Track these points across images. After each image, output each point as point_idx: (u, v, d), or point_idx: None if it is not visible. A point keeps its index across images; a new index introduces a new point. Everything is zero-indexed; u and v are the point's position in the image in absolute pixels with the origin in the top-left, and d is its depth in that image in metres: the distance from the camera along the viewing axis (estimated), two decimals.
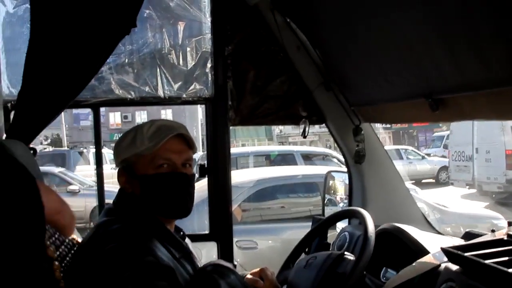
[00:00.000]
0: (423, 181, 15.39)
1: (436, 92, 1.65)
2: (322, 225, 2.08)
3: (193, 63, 2.37)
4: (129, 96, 2.31)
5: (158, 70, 2.33)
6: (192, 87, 2.36)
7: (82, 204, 9.41)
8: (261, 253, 4.37)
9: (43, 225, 0.69)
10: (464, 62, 1.46)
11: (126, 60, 2.33)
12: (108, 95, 2.31)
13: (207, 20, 2.40)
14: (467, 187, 13.00)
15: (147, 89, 2.32)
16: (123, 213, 1.48)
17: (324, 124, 2.47)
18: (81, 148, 16.16)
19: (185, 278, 1.42)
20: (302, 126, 2.40)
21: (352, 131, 2.31)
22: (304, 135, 2.38)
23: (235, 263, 2.38)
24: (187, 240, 1.66)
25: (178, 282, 1.35)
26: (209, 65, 2.39)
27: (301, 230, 2.11)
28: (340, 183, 3.09)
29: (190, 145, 1.53)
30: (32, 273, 0.67)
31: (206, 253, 2.98)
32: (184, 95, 2.37)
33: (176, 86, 2.35)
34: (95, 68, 2.02)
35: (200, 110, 15.39)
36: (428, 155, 17.93)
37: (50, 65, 1.93)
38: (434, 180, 16.15)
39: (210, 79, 2.38)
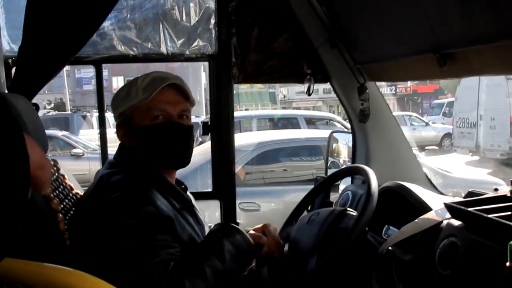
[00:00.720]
0: (427, 147, 15.38)
1: (444, 47, 1.61)
2: (325, 182, 2.08)
3: (197, 19, 2.33)
4: (132, 53, 2.28)
5: (160, 26, 2.29)
6: (195, 43, 2.32)
7: (86, 168, 9.46)
8: (264, 215, 4.40)
9: (28, 177, 0.68)
10: (473, 14, 1.42)
11: (128, 16, 2.28)
12: (110, 51, 2.28)
13: None
14: (470, 154, 12.99)
15: (149, 45, 2.29)
16: (124, 165, 1.48)
17: (328, 84, 2.44)
18: (85, 112, 16.16)
19: (185, 228, 1.42)
20: (306, 85, 2.37)
21: (356, 89, 2.28)
22: (308, 93, 2.35)
23: (238, 222, 2.40)
24: (190, 196, 1.66)
25: (177, 233, 1.35)
26: (212, 21, 2.34)
27: (304, 193, 2.11)
28: (343, 146, 3.08)
29: (186, 96, 1.52)
30: (14, 225, 0.66)
31: (209, 214, 3.00)
32: (187, 52, 2.33)
33: (179, 43, 2.31)
34: (96, 22, 1.98)
35: (203, 74, 15.28)
36: None
37: (51, 20, 1.90)
38: (437, 147, 16.14)
39: (213, 35, 2.34)
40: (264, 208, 4.51)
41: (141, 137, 1.47)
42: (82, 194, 1.70)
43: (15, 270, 0.91)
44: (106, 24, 2.23)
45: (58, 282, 0.92)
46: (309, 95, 2.37)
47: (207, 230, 1.58)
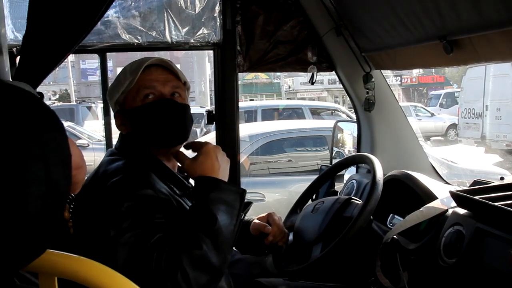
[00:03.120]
0: (432, 138, 15.31)
1: (451, 33, 1.59)
2: (330, 170, 2.08)
3: (201, 7, 2.30)
4: (136, 41, 2.26)
5: (165, 14, 2.27)
6: (200, 32, 2.30)
7: (91, 159, 9.47)
8: (268, 205, 4.40)
9: (70, 176, 0.68)
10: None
11: (133, 4, 2.27)
12: (114, 40, 2.26)
13: None
14: (476, 144, 12.92)
15: (154, 33, 2.27)
16: (124, 152, 1.49)
17: (333, 75, 2.42)
18: (89, 103, 16.18)
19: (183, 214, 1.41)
20: (310, 74, 2.35)
21: (362, 78, 2.27)
22: (311, 82, 2.34)
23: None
24: (193, 183, 1.65)
25: (174, 215, 1.34)
26: (217, 9, 2.31)
27: (308, 183, 2.11)
28: (348, 135, 3.06)
29: (176, 76, 1.51)
30: (56, 221, 0.67)
31: None
32: (192, 40, 2.31)
33: (183, 31, 2.29)
34: (100, 11, 1.97)
35: (208, 65, 15.23)
36: None
37: (55, 8, 1.89)
38: (442, 138, 16.07)
39: (218, 23, 2.31)
40: (269, 198, 4.51)
41: (134, 118, 1.47)
42: None
43: None
44: (111, 12, 2.21)
45: (62, 269, 0.92)
46: (312, 84, 2.35)
47: None
